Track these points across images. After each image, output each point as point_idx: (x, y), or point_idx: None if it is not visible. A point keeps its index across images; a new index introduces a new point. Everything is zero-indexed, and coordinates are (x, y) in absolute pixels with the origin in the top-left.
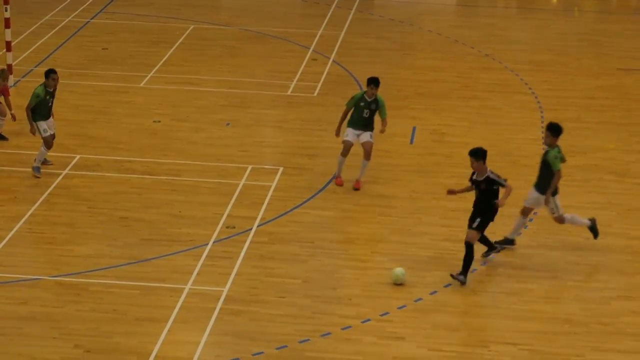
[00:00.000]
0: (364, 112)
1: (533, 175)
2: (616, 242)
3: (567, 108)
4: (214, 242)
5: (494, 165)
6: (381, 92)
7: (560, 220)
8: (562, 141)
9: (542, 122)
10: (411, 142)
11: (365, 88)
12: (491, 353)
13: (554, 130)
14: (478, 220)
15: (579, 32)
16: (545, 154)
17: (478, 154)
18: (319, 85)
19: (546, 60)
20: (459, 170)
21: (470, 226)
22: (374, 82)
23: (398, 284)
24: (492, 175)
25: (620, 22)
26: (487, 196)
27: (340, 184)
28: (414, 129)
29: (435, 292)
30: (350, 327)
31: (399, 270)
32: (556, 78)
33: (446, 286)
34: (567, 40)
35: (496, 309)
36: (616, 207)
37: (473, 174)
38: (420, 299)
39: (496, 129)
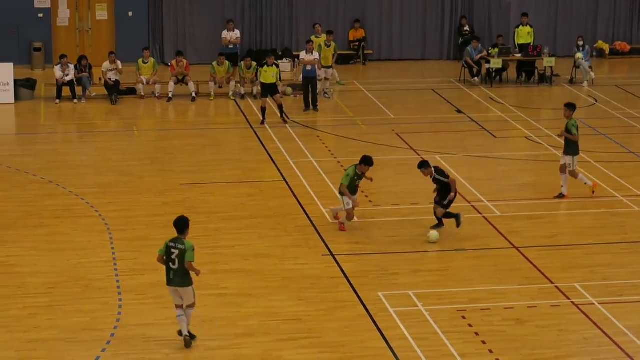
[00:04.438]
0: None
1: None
2: None
3: (135, 227)
4: None
5: (65, 290)
6: None
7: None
8: None
9: (112, 243)
10: None
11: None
12: None
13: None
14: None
15: (140, 151)
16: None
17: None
18: None
19: (110, 182)
20: (32, 300)
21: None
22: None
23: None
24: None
25: (179, 137)
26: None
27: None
28: None
29: None
30: None
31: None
32: (121, 198)
33: None
34: (129, 160)
35: None
36: None
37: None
38: None
39: (65, 254)
